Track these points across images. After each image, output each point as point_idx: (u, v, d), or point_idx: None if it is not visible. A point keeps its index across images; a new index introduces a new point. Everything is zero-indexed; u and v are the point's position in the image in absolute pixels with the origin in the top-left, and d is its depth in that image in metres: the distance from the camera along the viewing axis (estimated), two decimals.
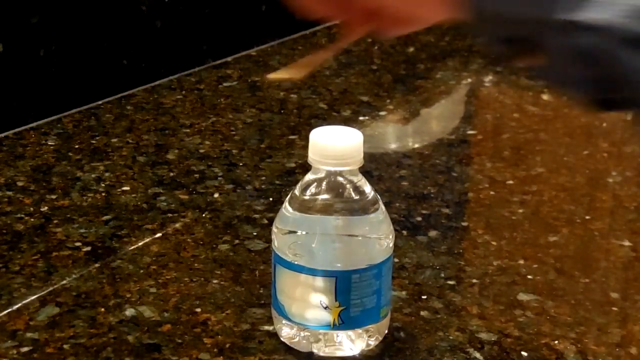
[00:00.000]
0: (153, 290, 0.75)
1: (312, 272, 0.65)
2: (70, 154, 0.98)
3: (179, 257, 0.80)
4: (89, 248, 0.81)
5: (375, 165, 0.98)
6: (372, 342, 0.69)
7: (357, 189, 0.66)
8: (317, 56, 0.59)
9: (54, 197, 0.89)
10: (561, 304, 0.76)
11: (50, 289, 0.75)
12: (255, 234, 0.84)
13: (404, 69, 1.27)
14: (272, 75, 0.60)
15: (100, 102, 1.10)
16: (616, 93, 0.41)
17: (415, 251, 0.82)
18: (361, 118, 1.10)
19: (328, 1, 0.57)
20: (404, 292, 0.76)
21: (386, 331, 0.70)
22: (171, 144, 1.01)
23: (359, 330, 0.67)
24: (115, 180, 0.92)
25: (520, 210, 0.91)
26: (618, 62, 0.40)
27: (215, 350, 0.68)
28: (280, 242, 0.67)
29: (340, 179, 0.66)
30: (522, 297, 0.76)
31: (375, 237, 0.67)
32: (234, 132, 1.04)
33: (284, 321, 0.68)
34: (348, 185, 0.66)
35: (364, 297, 0.66)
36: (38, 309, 0.72)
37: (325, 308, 0.66)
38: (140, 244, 0.82)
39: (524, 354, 0.69)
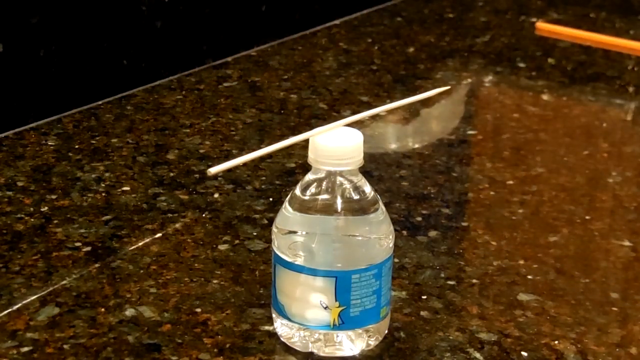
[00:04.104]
0: (153, 290, 0.75)
1: (312, 272, 0.65)
2: (70, 154, 0.98)
3: (179, 257, 0.80)
4: (89, 248, 0.81)
5: (375, 165, 0.98)
6: (372, 342, 0.69)
7: (357, 189, 0.66)
8: (251, 156, 0.64)
9: (54, 197, 0.89)
10: (561, 304, 0.76)
11: (50, 289, 0.75)
12: (255, 234, 0.84)
13: (404, 69, 1.27)
14: (214, 170, 0.63)
15: (100, 102, 1.10)
16: None
17: (415, 251, 0.82)
18: None
19: None
20: (404, 292, 0.76)
21: (386, 331, 0.70)
22: (171, 144, 1.01)
23: (359, 330, 0.67)
24: (115, 180, 0.92)
25: (520, 210, 0.91)
26: None
27: (215, 350, 0.68)
28: (280, 242, 0.67)
29: (340, 179, 0.66)
30: (522, 297, 0.76)
31: (375, 237, 0.67)
32: (234, 132, 1.04)
33: (283, 321, 0.68)
34: (348, 185, 0.66)
35: (364, 297, 0.66)
36: (38, 309, 0.72)
37: (325, 308, 0.66)
38: (140, 244, 0.82)
39: (524, 354, 0.69)
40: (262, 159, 0.97)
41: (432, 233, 0.86)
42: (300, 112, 1.11)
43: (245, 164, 0.96)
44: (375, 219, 0.67)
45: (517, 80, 1.26)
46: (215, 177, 0.93)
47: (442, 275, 0.79)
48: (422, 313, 0.74)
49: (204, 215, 0.87)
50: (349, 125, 0.67)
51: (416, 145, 1.07)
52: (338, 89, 1.18)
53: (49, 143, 1.00)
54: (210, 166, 0.96)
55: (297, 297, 0.66)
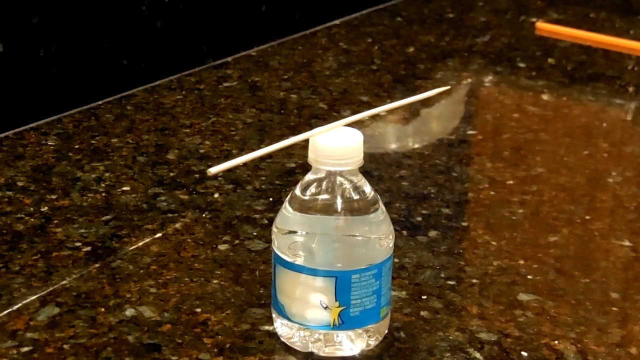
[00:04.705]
0: (153, 290, 0.75)
1: (312, 272, 0.65)
2: (70, 154, 0.98)
3: (179, 257, 0.80)
4: (89, 248, 0.81)
5: (375, 165, 0.98)
6: (372, 342, 0.69)
7: (357, 189, 0.66)
8: (251, 156, 0.65)
9: (54, 197, 0.89)
10: (561, 304, 0.76)
11: (50, 289, 0.75)
12: (255, 234, 0.84)
13: (404, 69, 1.27)
14: (214, 170, 0.64)
15: (100, 102, 1.10)
16: None
17: (415, 251, 0.82)
18: None
19: None
20: (404, 292, 0.76)
21: (386, 331, 0.70)
22: (171, 144, 1.01)
23: (359, 330, 0.67)
24: (115, 180, 0.92)
25: (520, 210, 0.91)
26: None
27: (215, 350, 0.68)
28: (280, 242, 0.67)
29: (340, 179, 0.66)
30: (522, 297, 0.76)
31: (375, 237, 0.67)
32: (234, 132, 1.04)
33: (283, 321, 0.68)
34: (348, 185, 0.66)
35: (364, 297, 0.66)
36: (38, 309, 0.72)
37: (325, 308, 0.66)
38: (140, 244, 0.82)
39: (524, 354, 0.69)
40: (262, 159, 0.97)
41: (432, 233, 0.86)
42: (300, 112, 1.11)
43: (245, 164, 0.96)
44: (375, 219, 0.67)
45: (517, 80, 1.26)
46: (215, 177, 0.93)
47: (442, 275, 0.79)
48: (422, 313, 0.74)
49: (204, 215, 0.87)
50: (349, 125, 0.67)
51: (416, 145, 1.07)
52: (338, 89, 1.18)
53: (49, 143, 1.00)
54: (210, 166, 0.96)
55: (297, 297, 0.66)
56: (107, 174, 0.93)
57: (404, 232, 0.85)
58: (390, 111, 1.10)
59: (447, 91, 1.16)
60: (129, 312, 0.72)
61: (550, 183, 0.97)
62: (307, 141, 0.66)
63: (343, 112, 1.10)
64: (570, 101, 1.21)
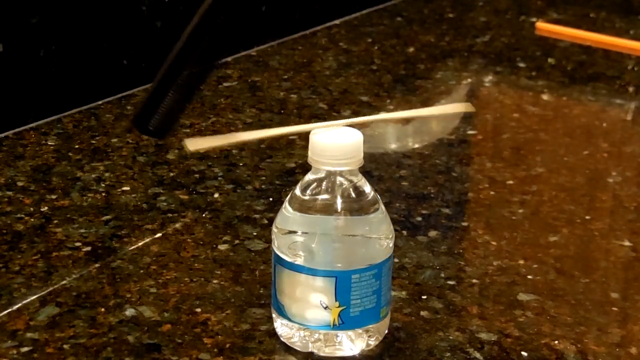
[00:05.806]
0: (153, 290, 0.75)
1: (312, 272, 0.65)
2: (70, 154, 0.98)
3: (179, 257, 0.80)
4: (89, 248, 0.81)
5: (375, 165, 0.98)
6: (372, 342, 0.69)
7: (357, 189, 0.66)
8: (235, 137, 0.66)
9: (54, 197, 0.89)
10: (561, 304, 0.76)
11: (50, 289, 0.75)
12: (255, 234, 0.84)
13: (404, 69, 1.27)
14: (192, 145, 0.64)
15: (100, 102, 1.10)
16: None
17: (415, 251, 0.82)
18: None
19: None
20: (404, 292, 0.76)
21: (386, 331, 0.70)
22: (171, 144, 1.01)
23: (359, 330, 0.67)
24: (115, 180, 0.92)
25: (520, 210, 0.91)
26: None
27: (215, 350, 0.68)
28: (280, 242, 0.67)
29: (340, 179, 0.66)
30: (522, 297, 0.76)
31: (375, 237, 0.67)
32: (234, 132, 1.04)
33: (283, 321, 0.68)
34: (348, 185, 0.66)
35: (364, 297, 0.66)
36: (38, 309, 0.72)
37: (325, 308, 0.66)
38: (140, 244, 0.82)
39: (524, 354, 0.69)
40: (262, 159, 0.97)
41: (432, 233, 0.86)
42: (300, 112, 1.11)
43: (245, 164, 0.96)
44: (375, 219, 0.67)
45: (517, 80, 1.26)
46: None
47: (442, 275, 0.79)
48: (422, 313, 0.74)
49: (204, 215, 0.87)
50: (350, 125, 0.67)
51: (416, 145, 1.07)
52: (338, 89, 1.18)
53: (49, 143, 1.00)
54: (210, 166, 0.97)
55: (297, 297, 0.66)
56: (107, 174, 0.93)
57: (404, 232, 0.85)
58: (390, 111, 1.10)
59: (447, 91, 1.17)
60: (129, 312, 0.72)
61: (550, 183, 0.97)
62: (307, 141, 0.66)
63: (343, 112, 1.10)
64: (570, 101, 1.21)
